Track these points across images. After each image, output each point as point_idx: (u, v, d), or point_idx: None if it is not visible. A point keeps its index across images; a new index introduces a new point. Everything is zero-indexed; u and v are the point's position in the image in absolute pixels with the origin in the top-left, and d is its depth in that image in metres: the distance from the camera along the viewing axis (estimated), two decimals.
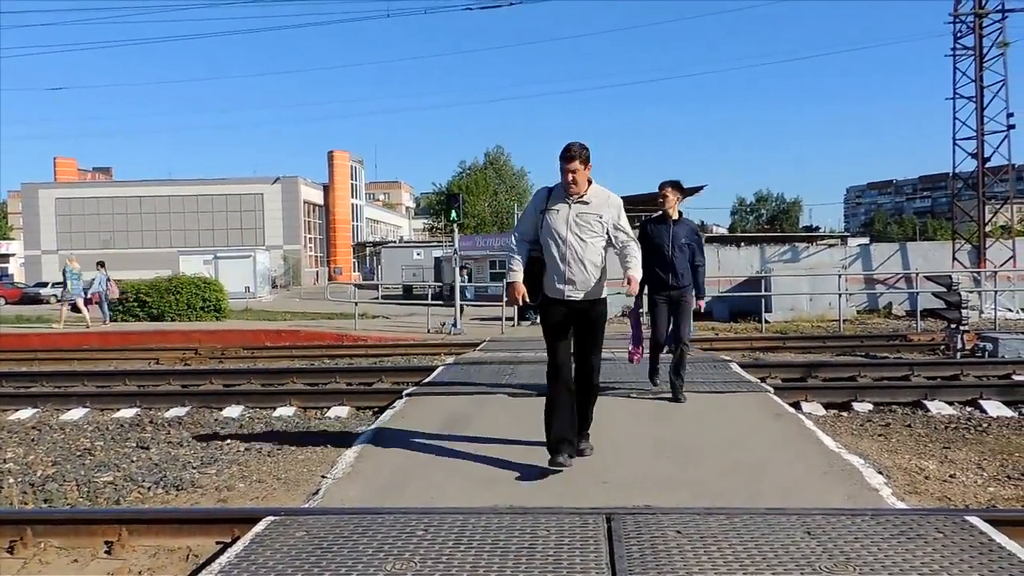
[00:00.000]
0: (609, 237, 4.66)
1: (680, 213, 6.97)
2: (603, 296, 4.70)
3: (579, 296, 4.58)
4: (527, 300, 4.63)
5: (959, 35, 23.98)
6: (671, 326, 6.94)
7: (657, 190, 7.04)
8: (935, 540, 3.34)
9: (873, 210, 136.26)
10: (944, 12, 25.07)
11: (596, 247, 4.60)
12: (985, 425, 7.02)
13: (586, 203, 4.59)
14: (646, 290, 6.80)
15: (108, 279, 20.55)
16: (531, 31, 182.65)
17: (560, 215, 4.59)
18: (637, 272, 4.63)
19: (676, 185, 6.99)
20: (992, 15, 23.46)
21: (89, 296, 20.40)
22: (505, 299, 17.82)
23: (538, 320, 5.07)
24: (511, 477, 4.67)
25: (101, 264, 20.77)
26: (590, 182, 4.64)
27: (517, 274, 4.68)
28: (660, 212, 6.96)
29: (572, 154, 4.50)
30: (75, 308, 20.17)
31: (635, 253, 4.67)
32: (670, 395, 6.95)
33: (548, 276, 4.64)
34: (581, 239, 4.55)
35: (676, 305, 6.85)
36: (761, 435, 5.70)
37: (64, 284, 20.02)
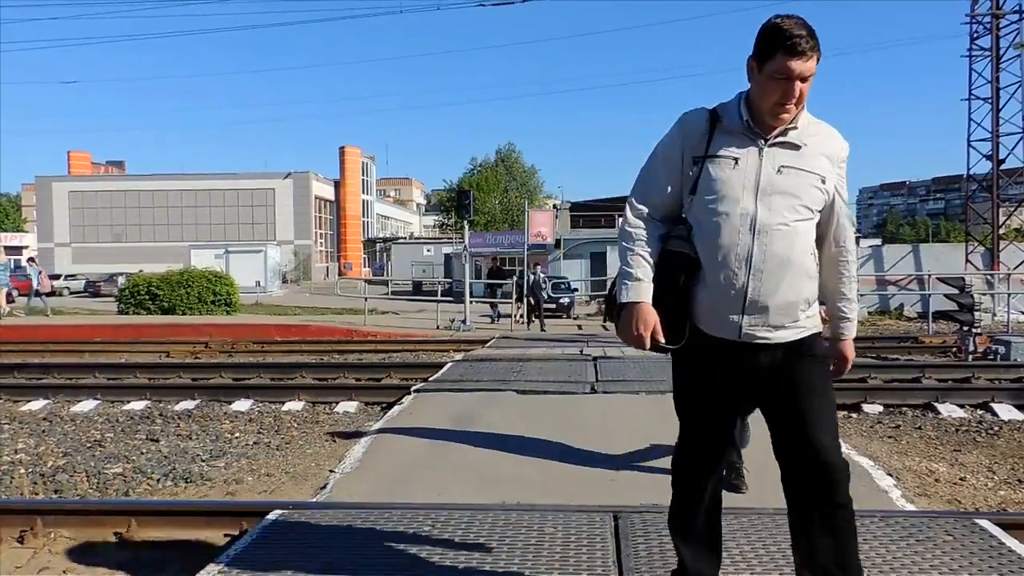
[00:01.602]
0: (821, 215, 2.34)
1: None
2: (819, 329, 2.42)
3: (775, 335, 2.30)
4: (659, 340, 2.31)
5: (976, 36, 23.84)
6: None
7: None
8: (944, 543, 3.31)
9: (886, 211, 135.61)
10: (961, 13, 24.89)
11: (810, 235, 2.32)
12: (996, 428, 6.97)
13: (796, 146, 2.27)
14: None
15: (40, 272, 22.09)
16: (543, 28, 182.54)
17: (742, 168, 2.26)
18: (853, 312, 2.51)
19: None
20: (1009, 16, 23.30)
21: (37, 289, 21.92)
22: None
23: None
24: (518, 474, 4.67)
25: (32, 260, 22.41)
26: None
27: (639, 287, 2.32)
28: None
29: (805, 42, 2.14)
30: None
31: (853, 256, 2.46)
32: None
33: (706, 292, 2.31)
34: (786, 220, 2.25)
35: None
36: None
37: None
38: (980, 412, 7.65)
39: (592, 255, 29.98)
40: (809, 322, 2.35)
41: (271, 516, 3.75)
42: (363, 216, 70.11)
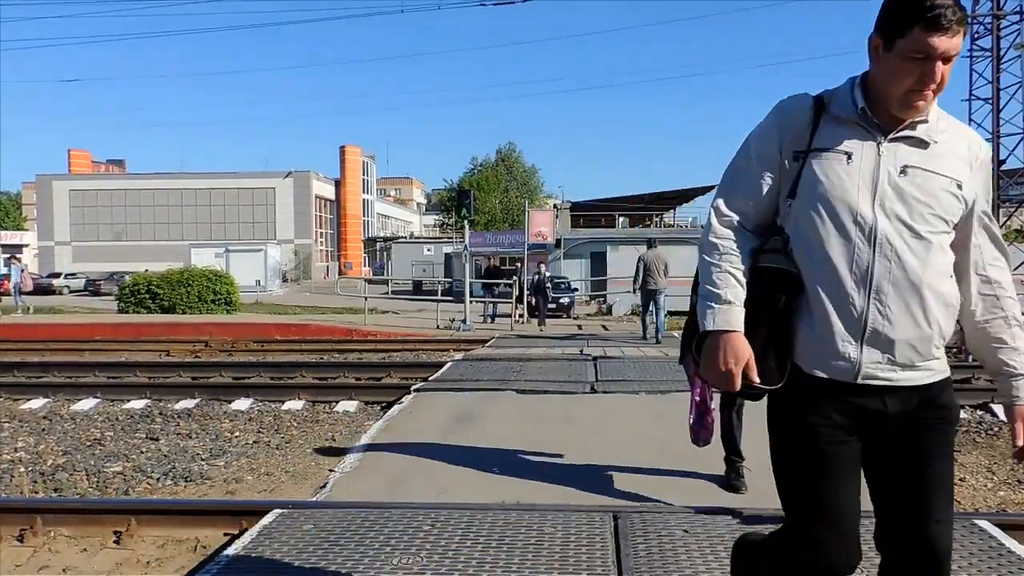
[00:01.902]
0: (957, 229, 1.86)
1: None
2: (949, 373, 1.91)
3: (900, 376, 1.82)
4: (752, 379, 1.81)
5: (976, 36, 23.81)
6: None
7: None
8: None
9: None
10: None
11: (946, 252, 1.84)
12: (996, 429, 6.97)
13: (924, 143, 1.82)
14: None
15: (23, 271, 22.74)
16: (544, 27, 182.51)
17: (855, 165, 1.81)
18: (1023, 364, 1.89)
19: None
20: (1010, 17, 23.30)
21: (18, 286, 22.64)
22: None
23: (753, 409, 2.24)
24: (518, 474, 4.67)
25: (15, 259, 23.00)
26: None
27: (729, 312, 1.84)
28: None
29: (952, 13, 1.69)
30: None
31: (1010, 290, 1.92)
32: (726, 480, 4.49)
33: (810, 320, 1.84)
34: (914, 231, 1.79)
35: None
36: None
37: None
38: (980, 412, 7.65)
39: (592, 255, 29.93)
40: (941, 364, 1.86)
41: (271, 515, 3.75)
42: (363, 215, 70.15)
